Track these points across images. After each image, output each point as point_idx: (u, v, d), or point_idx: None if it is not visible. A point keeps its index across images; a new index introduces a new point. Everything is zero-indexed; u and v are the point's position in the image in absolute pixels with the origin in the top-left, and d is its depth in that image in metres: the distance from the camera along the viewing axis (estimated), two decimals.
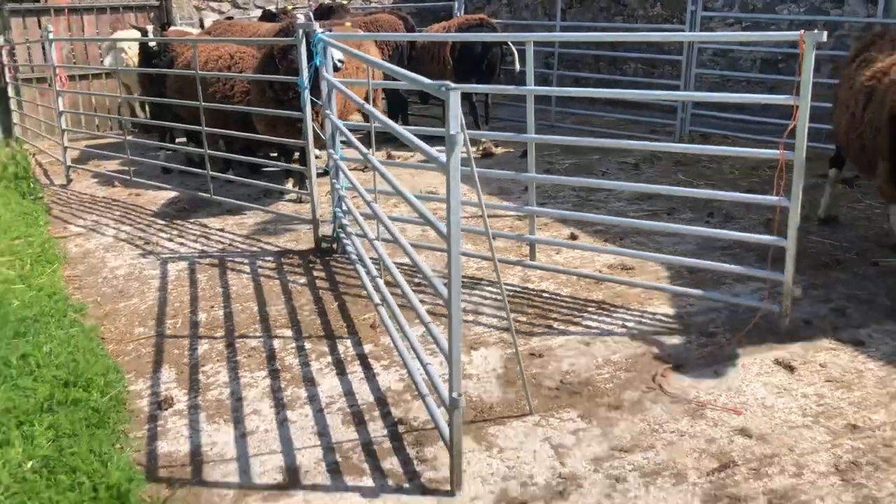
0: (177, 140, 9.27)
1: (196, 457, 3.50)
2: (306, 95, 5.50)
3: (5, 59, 11.39)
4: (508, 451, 3.40)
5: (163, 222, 7.06)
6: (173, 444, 3.61)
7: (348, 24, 8.69)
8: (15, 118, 11.58)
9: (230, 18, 10.44)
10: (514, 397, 3.82)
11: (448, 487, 3.16)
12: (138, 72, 8.30)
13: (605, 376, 3.97)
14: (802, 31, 3.80)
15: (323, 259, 5.78)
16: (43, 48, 11.08)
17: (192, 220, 7.04)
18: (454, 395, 3.01)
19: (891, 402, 3.62)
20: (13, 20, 11.57)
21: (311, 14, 7.45)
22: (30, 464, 3.35)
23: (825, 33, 3.78)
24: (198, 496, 3.22)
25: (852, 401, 3.64)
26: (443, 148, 2.77)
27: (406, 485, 3.22)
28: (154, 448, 3.58)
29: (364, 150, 4.43)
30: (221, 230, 6.71)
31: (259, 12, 12.25)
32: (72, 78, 11.61)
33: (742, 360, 4.06)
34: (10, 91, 11.49)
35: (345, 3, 11.29)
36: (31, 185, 8.36)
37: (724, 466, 3.22)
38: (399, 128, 3.48)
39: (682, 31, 8.49)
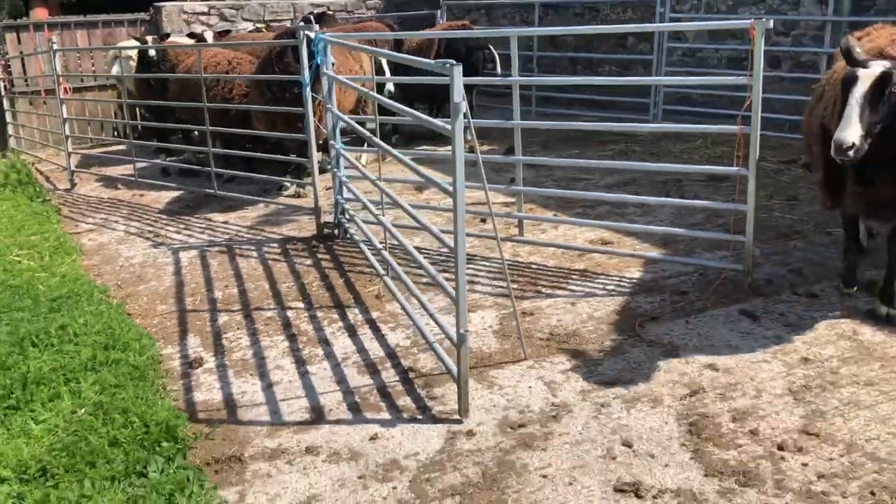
0: (171, 147, 9.65)
1: (229, 403, 3.93)
2: (308, 92, 5.97)
3: (1, 73, 11.75)
4: (507, 388, 3.87)
5: (169, 218, 7.47)
6: (207, 394, 4.04)
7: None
8: (10, 130, 11.94)
9: (227, 32, 10.86)
10: (510, 347, 4.29)
11: (457, 416, 3.62)
12: (146, 77, 8.67)
13: (589, 328, 4.46)
14: (753, 19, 4.34)
15: (326, 244, 6.23)
16: (36, 60, 11.50)
17: (196, 216, 7.46)
18: (462, 331, 3.48)
19: (838, 340, 4.13)
20: (7, 35, 11.96)
21: (311, 18, 7.91)
22: (82, 410, 3.77)
23: (772, 21, 4.33)
24: (235, 431, 3.66)
25: (805, 340, 4.15)
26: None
27: (419, 416, 3.67)
28: (191, 397, 4.01)
29: (370, 136, 4.90)
30: (226, 223, 7.13)
31: (247, 25, 12.74)
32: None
33: (711, 312, 4.56)
34: (6, 104, 11.85)
35: (330, 12, 11.79)
36: (37, 190, 8.73)
37: (695, 392, 3.71)
38: (404, 108, 3.96)
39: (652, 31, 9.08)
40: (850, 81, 3.62)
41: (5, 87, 11.79)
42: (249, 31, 11.63)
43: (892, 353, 3.96)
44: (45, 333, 4.53)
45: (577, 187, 7.40)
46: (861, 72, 3.61)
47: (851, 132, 3.55)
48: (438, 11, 11.22)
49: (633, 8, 10.14)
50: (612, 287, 5.04)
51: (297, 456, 3.43)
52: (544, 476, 3.18)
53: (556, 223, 6.23)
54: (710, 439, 3.34)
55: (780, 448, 3.25)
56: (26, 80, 11.92)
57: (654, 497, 3.01)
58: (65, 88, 9.25)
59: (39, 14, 20.11)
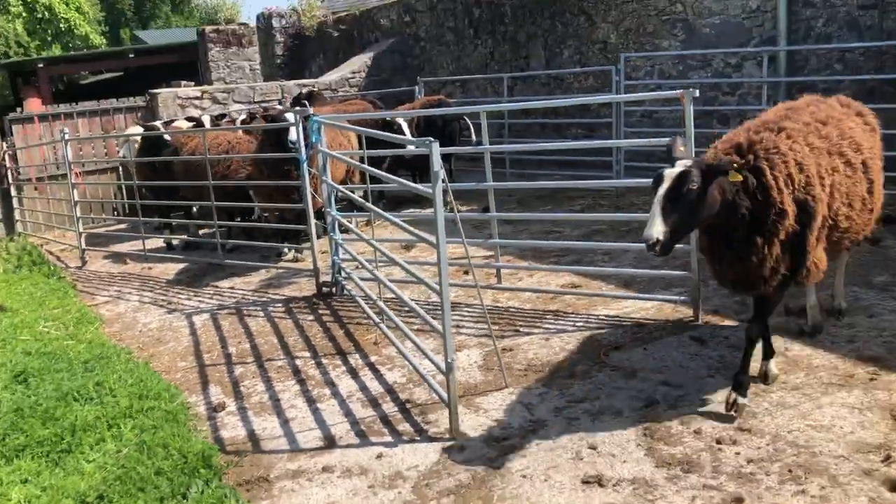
0: (174, 222, 10.36)
1: (252, 437, 4.56)
2: (305, 168, 6.74)
3: (8, 162, 12.52)
4: (491, 411, 4.52)
5: (179, 287, 8.14)
6: (232, 431, 4.66)
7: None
8: (16, 215, 12.66)
9: (222, 115, 11.70)
10: (493, 378, 4.95)
11: (449, 435, 4.26)
12: (152, 160, 9.42)
13: (560, 359, 5.14)
14: (681, 90, 5.15)
15: (325, 301, 6.91)
16: (41, 148, 12.27)
17: (204, 284, 8.13)
18: (449, 360, 4.15)
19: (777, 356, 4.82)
20: (14, 127, 12.78)
21: (304, 101, 8.76)
22: (126, 449, 4.38)
23: (697, 91, 5.14)
24: (260, 459, 4.28)
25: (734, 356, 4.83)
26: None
27: (417, 437, 4.31)
28: (218, 435, 4.63)
29: (362, 202, 5.65)
30: (232, 288, 7.81)
31: (237, 106, 13.63)
32: (56, 178, 12.71)
33: (665, 340, 5.25)
34: (13, 191, 12.60)
35: (318, 91, 12.72)
36: (51, 268, 9.40)
37: (650, 405, 4.37)
38: (389, 175, 4.72)
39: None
40: (657, 180, 3.86)
41: (12, 175, 12.54)
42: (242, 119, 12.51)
43: (815, 364, 4.65)
44: (84, 389, 5.15)
45: (550, 239, 8.16)
46: (666, 171, 3.85)
47: (655, 230, 3.76)
48: (416, 87, 12.15)
49: (594, 76, 11.08)
50: (581, 323, 5.73)
51: (316, 474, 4.05)
52: (524, 476, 3.81)
53: (531, 270, 6.96)
54: (661, 439, 4.00)
55: (718, 442, 3.91)
56: (33, 167, 12.67)
57: (615, 485, 3.65)
58: (76, 173, 9.99)
59: (34, 103, 21.13)
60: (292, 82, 14.79)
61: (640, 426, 4.15)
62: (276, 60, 19.93)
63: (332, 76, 15.23)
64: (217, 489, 3.87)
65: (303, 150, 6.69)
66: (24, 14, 28.61)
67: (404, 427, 4.46)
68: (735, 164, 3.89)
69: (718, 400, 4.34)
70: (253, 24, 21.38)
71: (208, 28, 21.26)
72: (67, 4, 29.58)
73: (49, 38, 30.36)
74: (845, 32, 8.79)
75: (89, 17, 32.35)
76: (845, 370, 4.54)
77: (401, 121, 9.31)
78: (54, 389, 5.18)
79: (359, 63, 15.36)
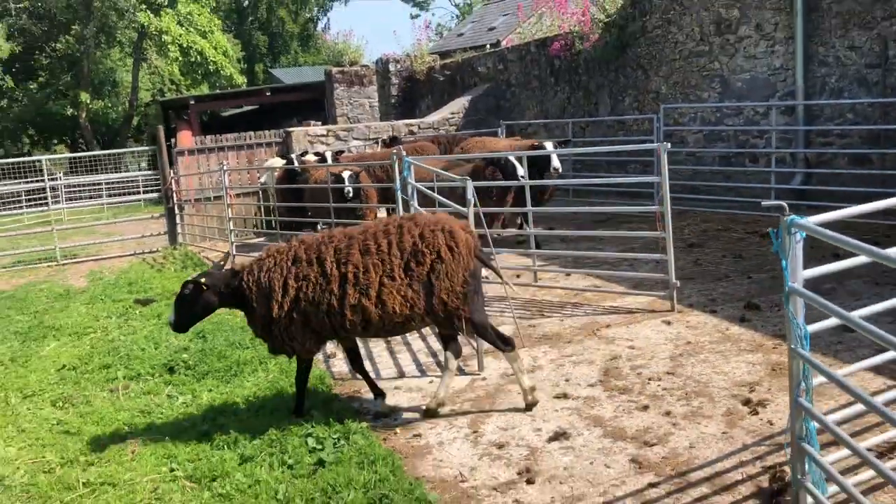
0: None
1: (352, 371, 6.92)
2: (399, 194, 9.15)
3: (174, 186, 15.67)
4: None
5: None
6: (340, 368, 7.04)
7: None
8: (178, 228, 15.78)
9: (340, 152, 14.39)
10: (517, 342, 7.12)
11: (478, 372, 6.47)
12: (288, 187, 12.13)
13: (567, 332, 7.26)
14: (659, 144, 7.21)
15: None
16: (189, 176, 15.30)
17: None
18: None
19: (714, 332, 6.77)
20: (179, 158, 15.95)
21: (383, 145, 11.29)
22: (271, 375, 6.82)
23: (669, 144, 7.19)
24: (354, 382, 6.62)
25: (694, 334, 6.81)
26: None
27: (457, 373, 6.54)
28: (331, 370, 7.02)
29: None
30: None
31: (356, 143, 16.34)
32: (209, 199, 15.74)
33: (643, 321, 7.28)
34: (177, 210, 15.73)
35: (398, 135, 15.33)
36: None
37: (615, 357, 6.44)
38: (439, 197, 7.01)
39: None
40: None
41: (177, 196, 15.67)
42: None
43: (742, 338, 6.58)
44: (242, 341, 7.69)
45: (585, 250, 10.23)
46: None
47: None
48: (499, 129, 14.48)
49: (647, 121, 13.05)
50: (590, 311, 7.83)
51: (388, 390, 6.35)
52: (520, 394, 5.98)
53: (565, 273, 9.08)
54: (612, 377, 6.07)
55: (649, 380, 5.95)
56: (194, 190, 15.78)
57: (574, 399, 5.76)
58: (230, 195, 12.85)
59: (185, 135, 24.78)
60: (401, 122, 17.42)
61: (603, 370, 6.24)
62: (391, 100, 22.74)
63: (434, 116, 17.78)
64: (328, 393, 6.23)
65: (398, 181, 9.11)
66: (179, 58, 32.98)
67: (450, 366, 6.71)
68: None
69: (662, 357, 6.36)
70: (372, 66, 24.31)
71: (334, 69, 24.29)
72: (215, 49, 33.81)
73: (199, 78, 34.69)
74: (855, 87, 10.47)
75: (232, 59, 36.62)
76: (758, 342, 6.46)
77: (514, 160, 11.10)
78: (223, 340, 7.74)
79: (458, 105, 17.85)
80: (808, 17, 10.61)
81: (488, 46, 23.70)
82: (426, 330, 7.80)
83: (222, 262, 6.01)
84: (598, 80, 14.38)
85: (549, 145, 10.21)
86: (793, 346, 3.61)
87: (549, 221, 12.30)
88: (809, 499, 3.72)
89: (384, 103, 23.18)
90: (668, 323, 7.18)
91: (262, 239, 15.03)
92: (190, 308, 5.73)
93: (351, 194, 10.09)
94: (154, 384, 7.01)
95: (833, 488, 3.71)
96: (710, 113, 12.09)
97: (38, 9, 35.34)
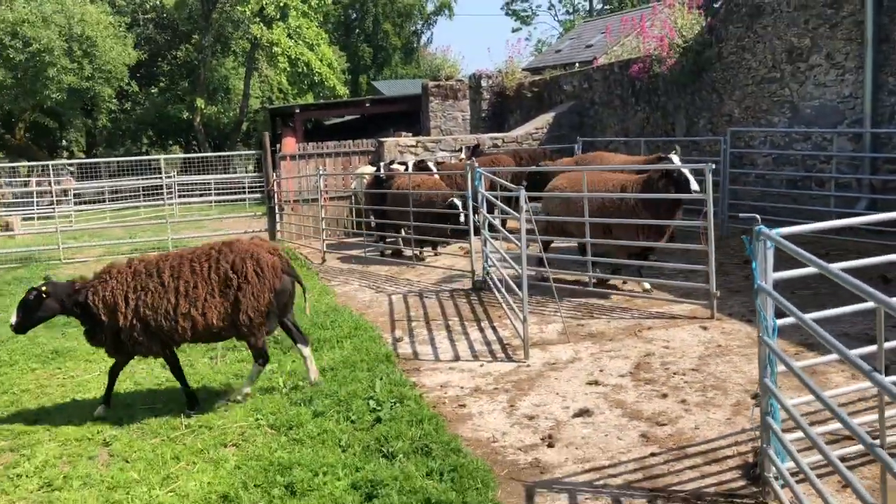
0: (387, 238, 14.13)
1: (415, 354, 7.87)
2: (470, 202, 10.07)
3: (276, 188, 17.08)
4: (553, 352, 7.51)
5: (384, 279, 11.78)
6: (405, 350, 8.01)
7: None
8: (277, 226, 17.17)
9: (423, 161, 15.45)
10: (563, 338, 7.93)
11: (523, 359, 7.32)
12: (375, 192, 13.26)
13: (611, 331, 8.00)
14: (704, 164, 7.87)
15: (476, 292, 10.17)
16: (289, 180, 16.63)
17: (401, 277, 11.71)
18: (523, 316, 7.23)
19: (745, 338, 7.39)
20: (282, 162, 17.37)
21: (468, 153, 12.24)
22: (346, 351, 7.85)
23: (713, 165, 7.84)
24: (416, 362, 7.57)
25: (726, 339, 7.44)
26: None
27: (504, 359, 7.41)
28: (397, 349, 8.00)
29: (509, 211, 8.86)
30: (419, 280, 11.31)
31: (442, 154, 17.38)
32: (306, 201, 17.05)
33: (683, 325, 7.95)
34: (277, 209, 17.13)
35: (480, 145, 16.23)
36: (303, 263, 13.46)
37: (648, 354, 7.16)
38: (497, 203, 7.89)
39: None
40: None
41: (278, 197, 17.08)
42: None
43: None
44: (324, 323, 8.76)
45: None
46: None
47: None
48: (576, 145, 15.23)
49: (718, 143, 13.54)
50: (637, 315, 8.53)
51: (444, 370, 7.27)
52: (556, 379, 6.79)
53: (623, 280, 9.78)
54: (641, 370, 6.80)
55: (674, 374, 6.65)
56: (296, 192, 17.16)
57: (603, 385, 6.53)
58: (325, 198, 14.09)
59: (289, 142, 26.40)
60: (487, 135, 18.38)
61: (635, 363, 6.98)
62: (482, 114, 23.73)
63: (519, 131, 18.66)
64: (391, 368, 7.21)
65: (469, 190, 10.05)
66: (287, 68, 35.05)
67: (500, 355, 7.58)
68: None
69: (691, 355, 7.04)
70: (466, 81, 25.36)
71: (431, 83, 25.45)
72: (321, 61, 35.75)
73: (305, 88, 36.71)
74: None
75: (336, 72, 38.54)
76: (783, 349, 7.03)
77: (687, 172, 9.22)
78: (307, 322, 8.83)
79: (542, 121, 18.66)
80: (879, 47, 10.95)
81: (577, 65, 24.40)
82: (483, 322, 8.69)
83: (51, 275, 6.97)
84: (676, 102, 14.95)
85: (675, 159, 9.48)
86: (761, 336, 4.33)
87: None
88: (773, 467, 4.42)
89: (475, 117, 24.18)
90: (705, 328, 7.82)
91: (353, 239, 16.27)
92: (32, 312, 6.46)
93: (463, 220, 10.90)
94: (246, 354, 8.12)
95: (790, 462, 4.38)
96: (779, 137, 12.50)
97: (164, 20, 38.22)
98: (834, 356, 4.73)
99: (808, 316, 4.03)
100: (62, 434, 6.31)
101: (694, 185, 8.60)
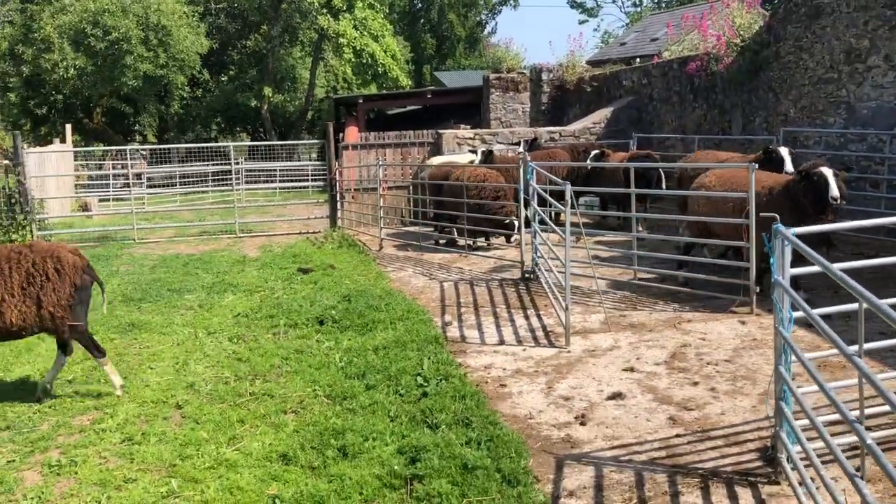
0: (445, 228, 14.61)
1: (462, 337, 8.35)
2: (521, 194, 10.48)
3: (337, 177, 17.73)
4: (594, 339, 7.90)
5: (437, 266, 12.28)
6: (453, 333, 8.49)
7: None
8: (338, 214, 17.82)
9: (490, 152, 15.85)
10: (605, 327, 8.30)
11: (564, 346, 7.72)
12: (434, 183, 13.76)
13: (652, 323, 8.33)
14: (748, 164, 8.12)
15: (525, 282, 10.58)
16: (351, 169, 17.24)
17: (454, 265, 12.19)
18: (565, 304, 7.63)
19: None
20: (344, 152, 18.01)
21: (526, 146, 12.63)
22: (398, 332, 8.37)
23: (756, 165, 8.07)
24: (462, 345, 8.04)
25: (762, 333, 7.69)
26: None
27: (547, 345, 7.82)
28: (445, 332, 8.48)
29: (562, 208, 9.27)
30: (470, 269, 11.77)
31: (498, 146, 17.76)
32: (366, 189, 17.65)
33: (722, 319, 8.23)
34: (338, 197, 17.78)
35: (538, 139, 16.55)
36: (360, 249, 14.06)
37: (685, 345, 7.49)
38: (547, 197, 8.28)
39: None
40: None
41: (340, 185, 17.73)
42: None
43: (804, 340, 7.39)
44: (379, 306, 9.30)
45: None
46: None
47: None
48: (631, 140, 15.45)
49: (775, 141, 13.62)
50: (679, 308, 8.83)
51: (489, 353, 7.73)
52: (594, 365, 7.18)
53: (661, 274, 10.07)
54: (676, 359, 7.14)
55: (707, 364, 6.97)
56: (357, 181, 17.80)
57: (638, 372, 6.89)
58: (384, 187, 14.65)
59: (352, 131, 27.09)
60: (544, 129, 18.70)
61: (671, 353, 7.32)
62: (542, 107, 24.00)
63: (577, 125, 18.92)
64: (440, 348, 7.70)
65: (522, 181, 10.45)
66: (352, 59, 35.81)
67: (543, 341, 8.00)
68: None
69: (727, 347, 7.34)
70: (528, 73, 25.62)
71: (492, 75, 25.76)
72: (385, 52, 36.41)
73: (368, 78, 37.43)
74: None
75: (400, 63, 39.17)
76: (816, 344, 7.28)
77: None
78: (364, 304, 9.39)
79: (600, 115, 18.88)
80: None
81: (638, 60, 24.44)
82: (529, 310, 9.12)
83: None
84: (733, 100, 15.03)
85: (784, 154, 9.41)
86: (777, 326, 4.67)
87: (656, 229, 13.19)
88: (785, 449, 4.75)
89: (535, 110, 24.45)
90: (743, 323, 8.09)
91: (411, 228, 16.82)
92: None
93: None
94: (307, 331, 8.73)
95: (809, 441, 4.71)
96: (834, 138, 12.54)
97: (234, 9, 39.38)
98: (854, 348, 5.03)
99: (818, 311, 4.36)
100: (140, 396, 6.97)
101: (833, 191, 7.91)
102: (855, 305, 4.53)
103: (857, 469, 4.09)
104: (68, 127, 26.76)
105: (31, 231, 16.20)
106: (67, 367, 7.77)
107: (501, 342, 8.09)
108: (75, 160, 26.28)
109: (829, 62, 12.50)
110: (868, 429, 5.36)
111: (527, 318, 8.92)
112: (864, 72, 11.97)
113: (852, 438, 5.05)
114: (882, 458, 3.26)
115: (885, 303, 3.45)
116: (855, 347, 3.81)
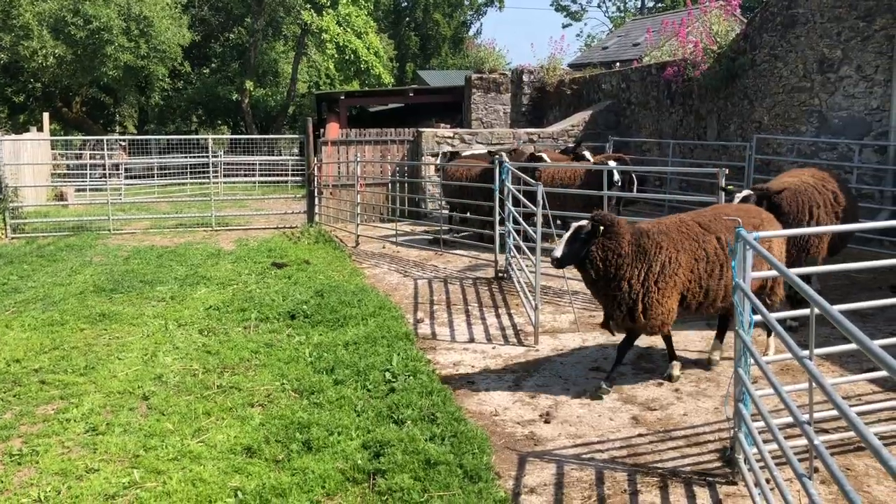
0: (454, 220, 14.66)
1: (433, 334, 8.39)
2: (497, 194, 10.54)
3: (316, 172, 17.71)
4: (563, 339, 7.97)
5: (413, 263, 12.31)
6: (424, 330, 8.53)
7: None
8: (316, 209, 17.79)
9: (455, 153, 15.93)
10: (574, 327, 8.37)
11: (533, 345, 7.78)
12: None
13: None
14: (719, 169, 8.23)
15: (498, 281, 10.64)
16: (330, 165, 17.24)
17: (429, 263, 12.22)
18: (535, 303, 7.69)
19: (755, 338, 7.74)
20: (323, 148, 17.99)
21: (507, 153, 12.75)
22: (368, 328, 8.40)
23: (727, 170, 8.19)
24: (433, 342, 8.09)
25: (729, 338, 7.80)
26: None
27: (516, 343, 7.88)
28: (416, 329, 8.52)
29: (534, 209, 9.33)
30: (445, 267, 11.81)
31: (479, 147, 17.81)
32: (344, 186, 17.65)
33: (690, 323, 8.33)
34: (316, 193, 17.76)
35: (517, 148, 16.63)
36: (336, 245, 14.06)
37: (651, 347, 7.57)
38: (521, 197, 8.35)
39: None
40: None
41: (318, 181, 17.70)
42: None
43: (780, 346, 7.52)
44: (351, 302, 9.32)
45: None
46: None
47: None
48: (607, 144, 15.56)
49: (750, 147, 13.78)
50: None
51: (458, 350, 7.78)
52: (562, 363, 7.25)
53: None
54: (643, 360, 7.23)
55: (694, 364, 7.06)
56: (334, 176, 17.78)
57: (604, 371, 6.96)
58: (361, 184, 14.65)
59: (333, 127, 27.05)
60: (523, 130, 18.77)
61: (638, 354, 7.40)
62: (522, 108, 24.09)
63: (556, 127, 19.01)
64: (409, 345, 7.73)
65: (497, 182, 10.51)
66: (335, 55, 35.76)
67: (512, 340, 8.06)
68: None
69: (694, 349, 7.44)
70: (509, 74, 25.71)
71: (474, 75, 25.79)
72: (368, 49, 36.40)
73: (351, 75, 37.40)
74: None
75: (383, 60, 39.17)
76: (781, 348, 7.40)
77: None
78: (336, 300, 9.40)
79: (579, 118, 19.00)
80: None
81: (618, 64, 24.59)
82: (500, 309, 9.18)
83: None
84: (708, 106, 15.19)
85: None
86: (737, 329, 4.75)
87: None
88: (742, 450, 4.84)
89: (515, 111, 24.54)
90: (710, 326, 8.19)
91: (386, 224, 16.83)
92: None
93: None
94: (278, 326, 8.74)
95: (765, 444, 4.80)
96: (805, 146, 12.72)
97: (218, 2, 39.22)
98: (806, 352, 5.13)
99: (776, 316, 4.44)
100: (106, 387, 6.94)
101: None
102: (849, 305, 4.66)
103: (809, 470, 4.17)
104: (45, 115, 26.50)
105: (5, 219, 16.03)
106: (34, 356, 7.72)
107: (471, 340, 8.14)
108: (53, 149, 26.04)
109: (802, 71, 12.67)
110: (825, 431, 5.49)
111: (498, 316, 8.98)
112: (836, 81, 12.15)
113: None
114: (828, 458, 3.34)
115: (837, 308, 3.53)
116: (807, 352, 3.88)
